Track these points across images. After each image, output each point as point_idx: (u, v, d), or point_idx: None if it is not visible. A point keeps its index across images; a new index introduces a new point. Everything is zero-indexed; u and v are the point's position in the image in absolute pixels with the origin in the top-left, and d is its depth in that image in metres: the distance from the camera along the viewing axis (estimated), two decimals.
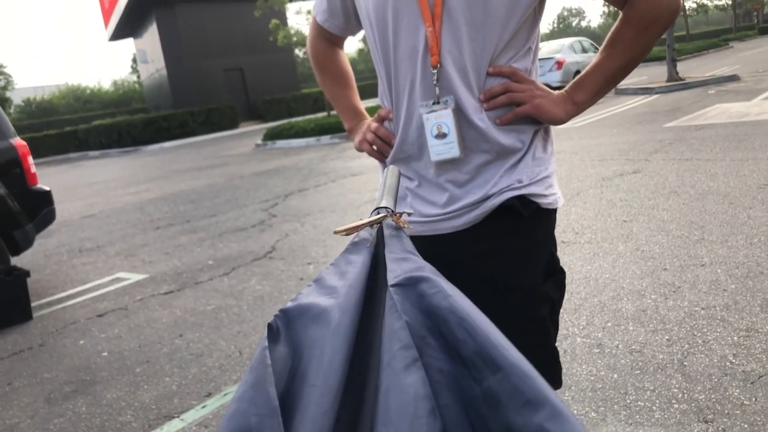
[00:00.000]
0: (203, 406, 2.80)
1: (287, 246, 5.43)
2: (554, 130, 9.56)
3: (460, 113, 1.22)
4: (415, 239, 1.33)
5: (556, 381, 1.42)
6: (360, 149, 1.43)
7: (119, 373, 3.30)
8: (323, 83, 1.59)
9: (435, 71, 1.20)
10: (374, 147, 1.38)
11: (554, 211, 1.35)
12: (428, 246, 1.32)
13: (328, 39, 1.53)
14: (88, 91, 49.90)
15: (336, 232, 0.80)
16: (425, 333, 0.56)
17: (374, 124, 1.37)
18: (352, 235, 0.79)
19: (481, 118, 1.23)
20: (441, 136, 1.23)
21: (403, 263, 0.66)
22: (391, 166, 1.00)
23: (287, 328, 0.59)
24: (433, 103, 1.22)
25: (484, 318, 0.55)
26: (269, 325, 0.58)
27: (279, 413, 0.48)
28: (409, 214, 0.88)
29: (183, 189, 10.35)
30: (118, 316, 4.22)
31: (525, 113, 1.24)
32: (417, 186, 1.32)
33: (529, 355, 1.51)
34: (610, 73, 1.26)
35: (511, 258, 1.29)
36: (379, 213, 0.78)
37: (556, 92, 1.29)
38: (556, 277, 1.36)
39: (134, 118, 27.03)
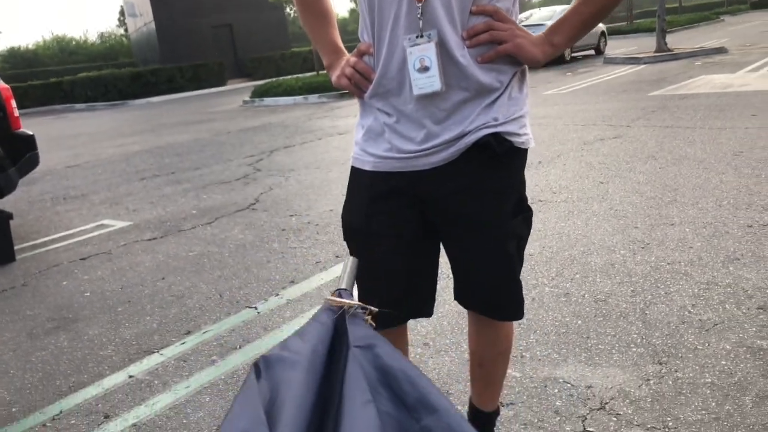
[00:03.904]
0: (182, 343, 2.89)
1: (270, 198, 5.49)
2: (541, 96, 9.50)
3: (442, 48, 1.25)
4: (391, 175, 1.38)
5: (519, 312, 1.52)
6: (338, 84, 1.44)
7: (101, 311, 3.38)
8: (305, 21, 1.59)
9: (420, 5, 1.23)
10: (352, 81, 1.39)
11: (526, 151, 1.41)
12: (405, 182, 1.37)
13: None
14: (74, 43, 48.89)
15: (327, 300, 0.93)
16: (377, 385, 0.73)
17: (353, 59, 1.38)
18: (324, 304, 0.95)
19: (462, 55, 1.26)
20: (423, 69, 1.25)
21: (363, 332, 0.83)
22: (352, 257, 1.02)
23: (267, 369, 0.75)
24: (417, 37, 1.25)
25: (424, 375, 0.73)
26: (255, 365, 0.75)
27: (266, 423, 0.64)
28: (374, 315, 0.95)
29: (169, 142, 10.32)
30: (102, 260, 4.28)
31: (506, 52, 1.28)
32: (395, 122, 1.35)
33: (496, 287, 1.58)
34: (586, 18, 1.33)
35: (484, 195, 1.36)
36: (341, 294, 0.91)
37: (535, 35, 1.35)
38: (524, 214, 1.44)
39: (121, 71, 26.60)
